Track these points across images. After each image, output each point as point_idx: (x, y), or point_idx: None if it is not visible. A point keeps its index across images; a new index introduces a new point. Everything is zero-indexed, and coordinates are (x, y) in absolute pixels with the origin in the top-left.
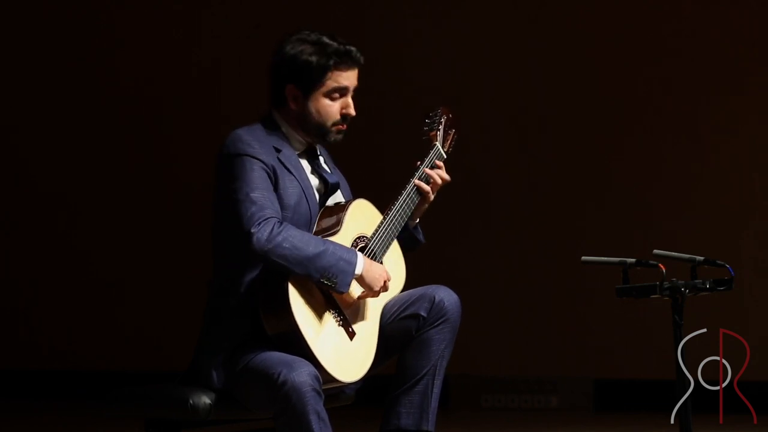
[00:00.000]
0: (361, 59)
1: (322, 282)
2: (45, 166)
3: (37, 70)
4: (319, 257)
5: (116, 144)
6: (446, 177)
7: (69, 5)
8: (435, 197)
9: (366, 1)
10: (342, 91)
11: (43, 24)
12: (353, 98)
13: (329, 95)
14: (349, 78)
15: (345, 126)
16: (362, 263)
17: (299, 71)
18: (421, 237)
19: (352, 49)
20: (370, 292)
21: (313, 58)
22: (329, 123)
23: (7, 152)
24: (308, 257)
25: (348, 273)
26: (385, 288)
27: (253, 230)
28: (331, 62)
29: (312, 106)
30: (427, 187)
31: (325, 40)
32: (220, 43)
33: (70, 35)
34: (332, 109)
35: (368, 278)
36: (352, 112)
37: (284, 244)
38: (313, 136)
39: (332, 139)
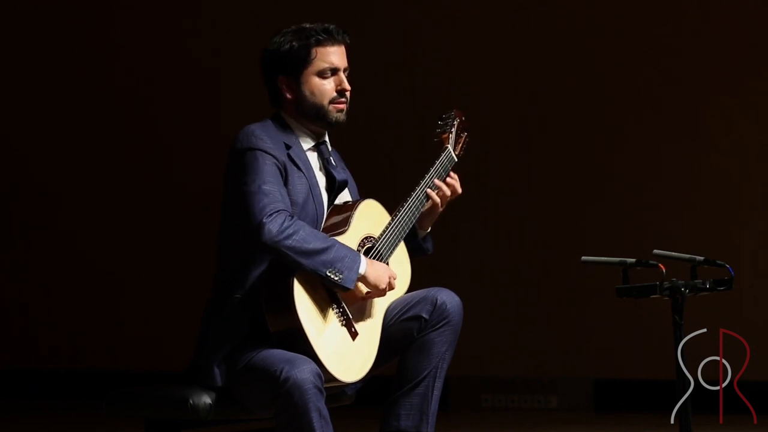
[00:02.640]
0: (345, 37)
1: (329, 276)
2: (45, 166)
3: (37, 70)
4: (327, 252)
5: (116, 144)
6: (458, 189)
7: (69, 5)
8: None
9: (368, 1)
10: (333, 71)
11: (43, 24)
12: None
13: (320, 74)
14: (336, 54)
15: (344, 103)
16: (365, 264)
17: (284, 60)
18: (429, 246)
19: (331, 26)
20: (377, 290)
21: (295, 43)
22: (326, 101)
23: (7, 152)
24: (316, 250)
25: (353, 270)
26: (391, 286)
27: (264, 221)
28: (312, 40)
29: (306, 89)
30: (436, 198)
31: (304, 25)
32: (220, 42)
33: (70, 35)
34: (326, 87)
35: (372, 278)
36: (347, 86)
37: (294, 237)
38: (315, 120)
39: (333, 118)
